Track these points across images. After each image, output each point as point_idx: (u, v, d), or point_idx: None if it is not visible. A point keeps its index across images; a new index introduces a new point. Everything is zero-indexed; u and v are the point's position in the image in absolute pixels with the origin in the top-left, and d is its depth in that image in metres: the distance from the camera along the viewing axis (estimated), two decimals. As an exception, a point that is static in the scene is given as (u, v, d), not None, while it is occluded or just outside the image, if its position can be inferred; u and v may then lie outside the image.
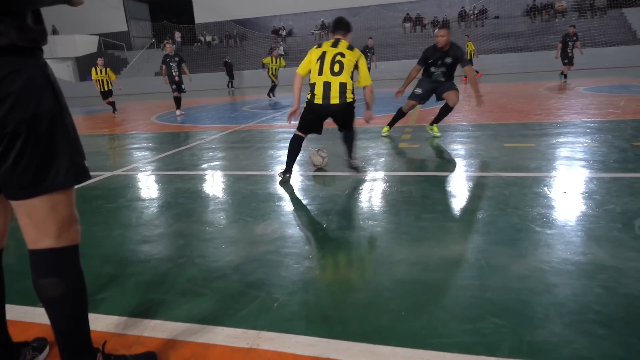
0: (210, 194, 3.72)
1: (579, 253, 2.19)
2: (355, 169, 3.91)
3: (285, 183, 3.76)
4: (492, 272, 2.02)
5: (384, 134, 5.90)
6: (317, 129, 3.88)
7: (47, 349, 1.61)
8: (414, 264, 2.17)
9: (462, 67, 5.33)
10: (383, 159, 4.53)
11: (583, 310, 1.69)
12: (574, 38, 12.51)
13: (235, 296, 1.95)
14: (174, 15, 32.09)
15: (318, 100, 3.63)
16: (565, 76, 12.95)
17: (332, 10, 26.23)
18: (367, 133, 6.18)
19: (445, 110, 5.52)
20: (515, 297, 1.80)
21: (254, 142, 6.15)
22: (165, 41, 10.23)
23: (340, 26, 3.81)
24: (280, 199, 3.41)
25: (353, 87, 3.70)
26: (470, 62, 11.69)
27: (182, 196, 3.64)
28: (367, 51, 12.32)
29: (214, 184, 4.07)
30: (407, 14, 25.83)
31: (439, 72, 5.38)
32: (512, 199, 3.04)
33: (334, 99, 3.60)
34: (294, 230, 2.74)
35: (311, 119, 3.78)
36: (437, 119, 5.69)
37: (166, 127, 8.73)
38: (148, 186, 4.13)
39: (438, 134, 5.65)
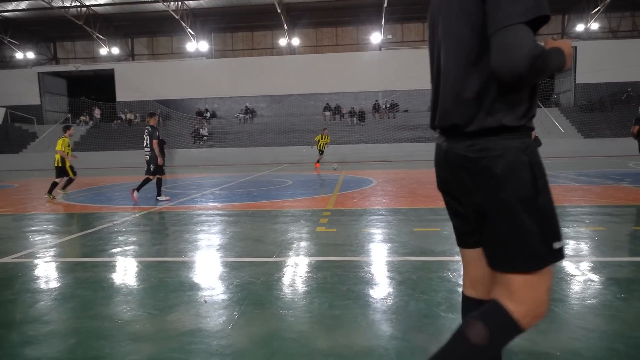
0: (114, 284, 3.44)
1: (478, 337, 2.31)
2: None
3: None
4: (400, 362, 2.06)
5: None
6: None
7: None
8: (326, 356, 2.14)
9: None
10: (301, 243, 4.58)
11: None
12: None
13: (129, 405, 1.75)
14: (95, 92, 31.50)
15: None
16: None
17: (257, 96, 27.42)
18: (287, 216, 6.26)
19: None
20: (421, 388, 1.83)
21: (169, 224, 5.92)
22: (149, 114, 8.41)
23: None
24: (191, 287, 3.25)
25: None
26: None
27: (81, 287, 3.32)
28: None
29: (120, 272, 3.79)
30: (327, 103, 27.82)
31: None
32: (419, 283, 3.19)
33: None
34: (202, 323, 2.60)
35: None
36: None
37: (73, 207, 8.14)
38: (42, 275, 3.73)
39: None
